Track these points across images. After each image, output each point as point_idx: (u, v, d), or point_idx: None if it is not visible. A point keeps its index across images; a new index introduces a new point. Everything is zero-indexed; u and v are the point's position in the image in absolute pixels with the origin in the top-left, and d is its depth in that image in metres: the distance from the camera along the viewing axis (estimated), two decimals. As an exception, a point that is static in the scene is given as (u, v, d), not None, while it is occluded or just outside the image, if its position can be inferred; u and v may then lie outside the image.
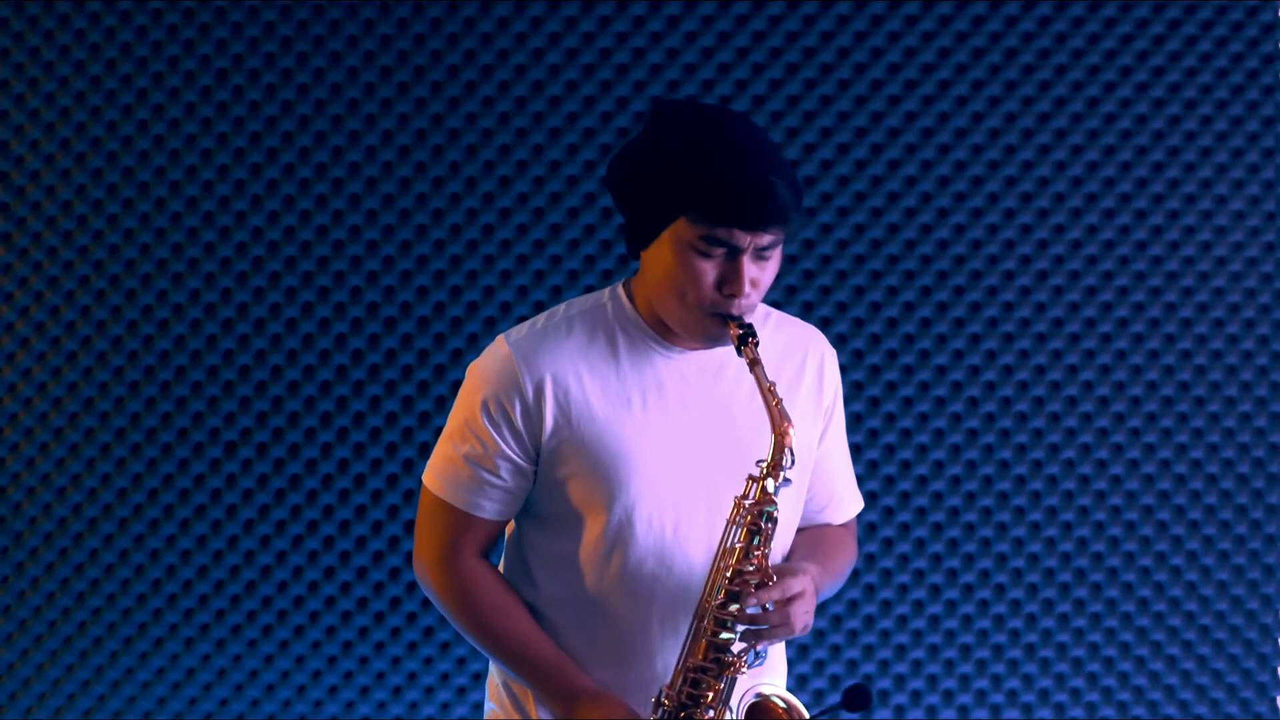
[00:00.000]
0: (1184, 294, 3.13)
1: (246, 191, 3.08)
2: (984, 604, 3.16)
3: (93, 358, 3.11)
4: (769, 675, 2.11)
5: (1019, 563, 3.15)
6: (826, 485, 2.21)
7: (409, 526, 3.12)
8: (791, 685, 3.14)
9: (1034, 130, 3.09)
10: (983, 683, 3.17)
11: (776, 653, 2.18)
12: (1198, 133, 3.10)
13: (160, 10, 3.05)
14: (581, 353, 2.02)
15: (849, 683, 3.16)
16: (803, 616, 1.95)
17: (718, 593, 1.94)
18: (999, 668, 3.17)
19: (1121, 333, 3.13)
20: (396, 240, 3.09)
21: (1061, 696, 3.17)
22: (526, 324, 2.07)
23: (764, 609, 1.94)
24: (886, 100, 3.08)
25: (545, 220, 3.09)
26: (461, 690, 3.17)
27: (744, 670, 1.95)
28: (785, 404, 1.96)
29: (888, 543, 3.15)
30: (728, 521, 1.96)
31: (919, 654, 3.17)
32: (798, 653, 3.16)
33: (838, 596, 3.14)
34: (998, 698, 3.17)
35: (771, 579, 1.93)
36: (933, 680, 3.17)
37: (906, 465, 3.14)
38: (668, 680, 2.01)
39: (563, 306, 2.09)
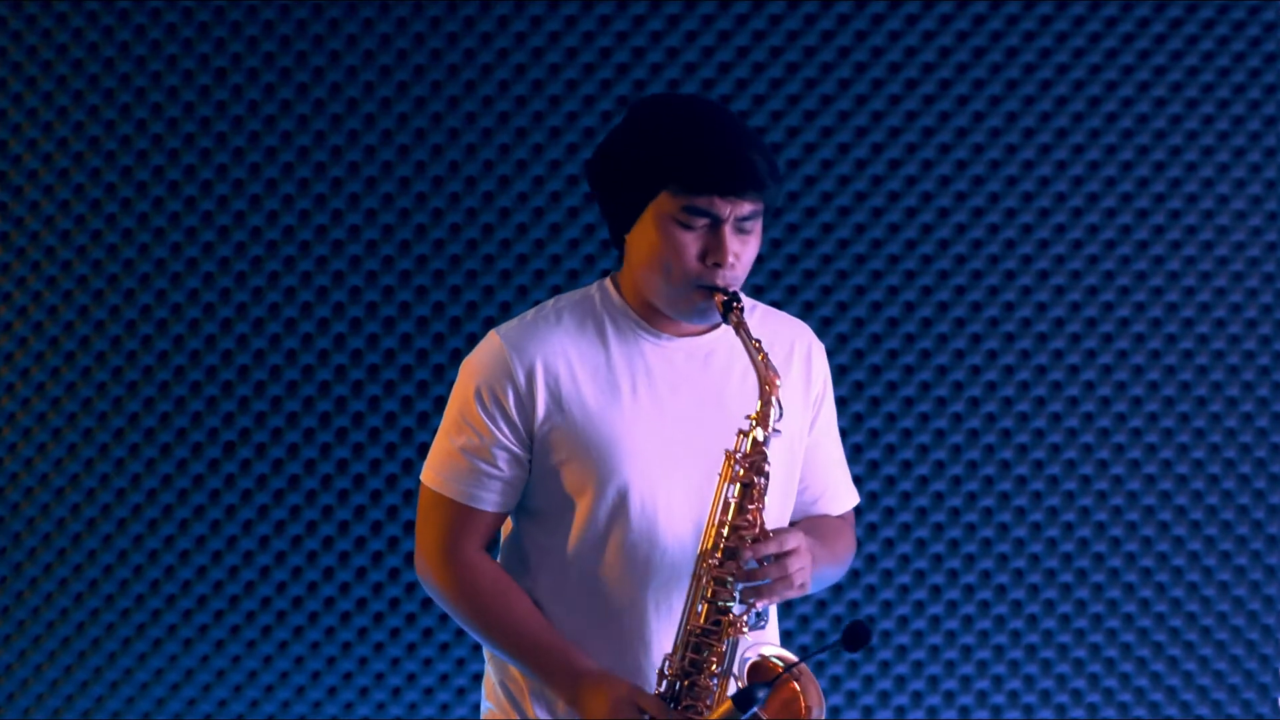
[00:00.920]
0: (1185, 294, 3.12)
1: (245, 191, 3.08)
2: (985, 605, 3.16)
3: (91, 358, 3.10)
4: (766, 639, 2.12)
5: (1020, 563, 3.15)
6: (820, 476, 2.22)
7: (408, 527, 3.12)
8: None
9: (1035, 129, 3.09)
10: (984, 683, 3.17)
11: (771, 620, 2.19)
12: (1199, 132, 3.09)
13: (159, 9, 3.04)
14: (571, 340, 2.06)
15: (850, 685, 3.16)
16: (799, 573, 1.96)
17: (714, 550, 1.96)
18: (1000, 668, 3.17)
19: (1123, 333, 3.13)
20: (396, 240, 3.09)
21: (1063, 697, 3.17)
22: (515, 319, 2.11)
23: (760, 564, 1.95)
24: (887, 99, 3.08)
25: (545, 220, 3.09)
26: (461, 691, 3.17)
27: (745, 632, 1.96)
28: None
29: (888, 543, 3.15)
30: (720, 476, 1.98)
31: (920, 654, 3.16)
32: (798, 654, 3.15)
33: (839, 597, 3.14)
34: (999, 698, 3.17)
35: (767, 535, 1.95)
36: (934, 681, 3.17)
37: (907, 465, 3.14)
38: (661, 661, 2.02)
39: (551, 301, 2.13)
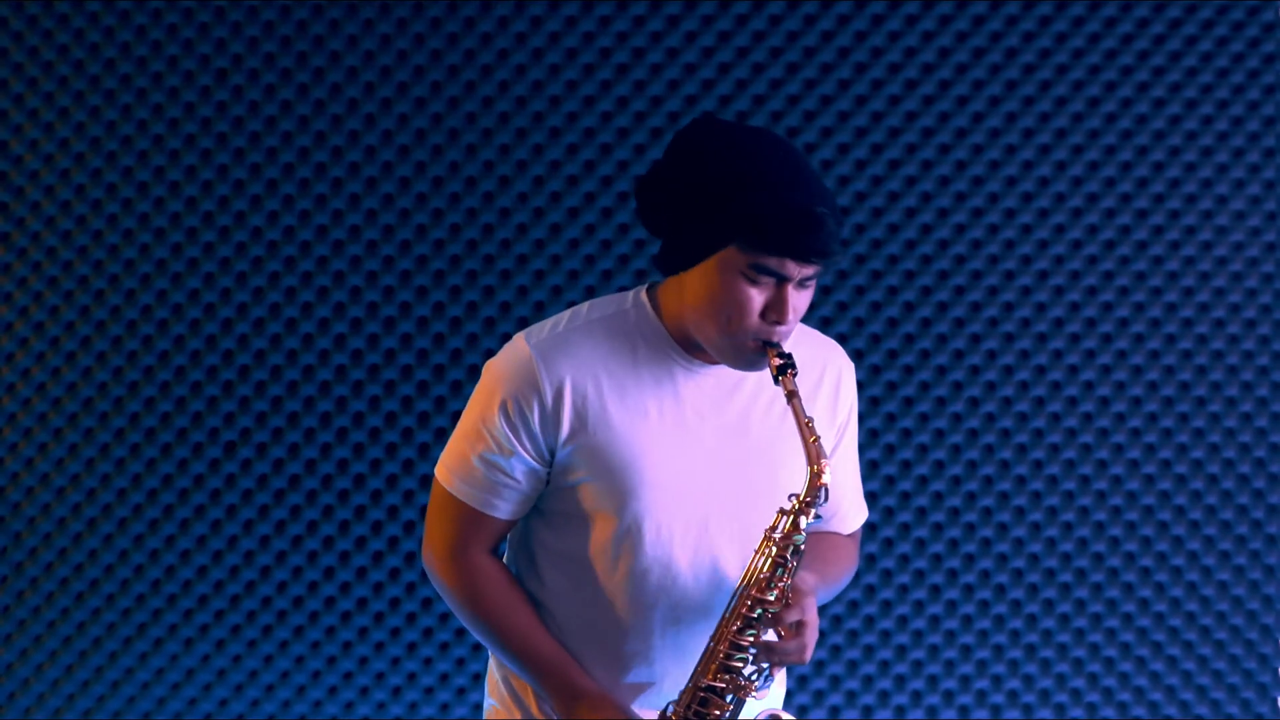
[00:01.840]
0: (1185, 294, 3.12)
1: (246, 191, 3.08)
2: (984, 604, 3.16)
3: (92, 358, 3.10)
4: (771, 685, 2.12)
5: (1019, 563, 3.15)
6: (834, 498, 2.21)
7: (408, 527, 3.12)
8: (791, 685, 3.14)
9: (1034, 130, 3.09)
10: (983, 683, 3.17)
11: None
12: (1198, 132, 3.09)
13: (159, 10, 3.05)
14: (601, 359, 2.01)
15: (850, 685, 3.16)
16: (811, 646, 1.97)
17: (737, 619, 1.96)
18: (999, 668, 3.17)
19: (1122, 333, 3.13)
20: (396, 240, 3.09)
21: (1062, 697, 3.17)
22: (548, 324, 2.06)
23: (779, 635, 1.95)
24: (887, 100, 3.08)
25: (545, 220, 3.09)
26: (461, 691, 3.17)
27: (755, 693, 1.97)
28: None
29: (888, 543, 3.15)
30: (756, 552, 1.97)
31: (919, 654, 3.17)
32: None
33: (838, 597, 3.14)
34: (998, 698, 3.17)
35: (789, 604, 1.95)
36: (933, 680, 3.17)
37: (907, 465, 3.14)
38: (663, 685, 2.03)
39: (585, 307, 2.08)
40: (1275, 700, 3.18)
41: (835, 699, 3.16)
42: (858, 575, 3.14)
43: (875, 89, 3.08)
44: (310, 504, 3.12)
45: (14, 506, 3.13)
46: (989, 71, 3.08)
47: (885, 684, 3.17)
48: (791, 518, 1.94)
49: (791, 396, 1.91)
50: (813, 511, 1.93)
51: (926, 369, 3.13)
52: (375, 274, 3.09)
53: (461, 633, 3.14)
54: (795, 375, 1.92)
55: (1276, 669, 3.18)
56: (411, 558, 3.12)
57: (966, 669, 3.17)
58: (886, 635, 3.17)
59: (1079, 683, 3.17)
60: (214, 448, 3.11)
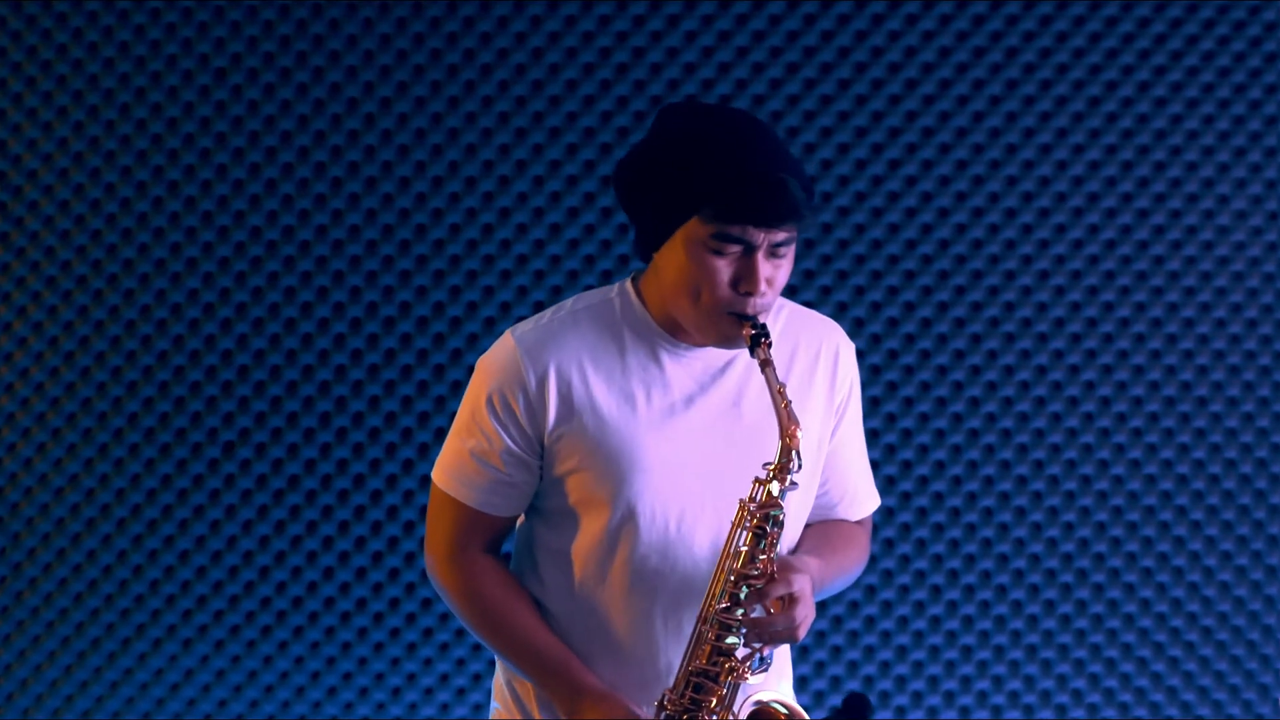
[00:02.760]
0: (1186, 293, 3.12)
1: (245, 191, 3.08)
2: (985, 605, 3.15)
3: (90, 357, 3.10)
4: (774, 679, 2.10)
5: (1020, 563, 3.15)
6: (840, 481, 2.19)
7: (408, 528, 3.12)
8: (792, 686, 3.13)
9: (1035, 129, 3.09)
10: (984, 684, 3.17)
11: (781, 656, 2.17)
12: (1199, 132, 3.09)
13: (158, 9, 3.04)
14: (586, 347, 2.01)
15: (851, 685, 3.16)
16: (804, 623, 1.94)
17: (721, 596, 1.93)
18: (1000, 669, 3.16)
19: (1123, 333, 3.12)
20: (396, 240, 3.09)
21: (1063, 698, 3.17)
22: (533, 319, 2.07)
23: (768, 612, 1.93)
24: (887, 99, 3.08)
25: (545, 220, 3.09)
26: (461, 691, 3.16)
27: (748, 676, 1.94)
28: (796, 403, 1.95)
29: (889, 543, 3.15)
30: (733, 524, 1.95)
31: (920, 655, 3.16)
32: (799, 654, 3.15)
33: (839, 597, 3.13)
34: (999, 699, 3.17)
35: (775, 577, 1.93)
36: (934, 681, 3.17)
37: (907, 465, 3.14)
38: (670, 679, 2.01)
39: (569, 301, 2.08)
40: (1276, 701, 3.17)
41: (836, 699, 3.16)
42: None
43: (875, 89, 3.08)
44: (309, 504, 3.12)
45: (12, 507, 3.13)
46: (989, 71, 3.08)
47: (886, 685, 3.17)
48: (765, 486, 1.93)
49: (765, 365, 1.90)
50: (787, 478, 1.92)
51: (927, 369, 3.12)
52: (375, 274, 3.09)
53: (461, 633, 3.14)
54: (769, 346, 1.91)
55: (1278, 670, 3.17)
56: (411, 558, 3.12)
57: (967, 670, 3.16)
58: (887, 636, 3.16)
59: (1080, 683, 3.17)
60: (213, 448, 3.11)
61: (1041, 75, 3.08)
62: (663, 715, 1.96)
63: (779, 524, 1.93)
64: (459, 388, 3.08)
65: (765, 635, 1.93)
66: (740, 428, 2.02)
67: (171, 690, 3.16)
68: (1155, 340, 3.12)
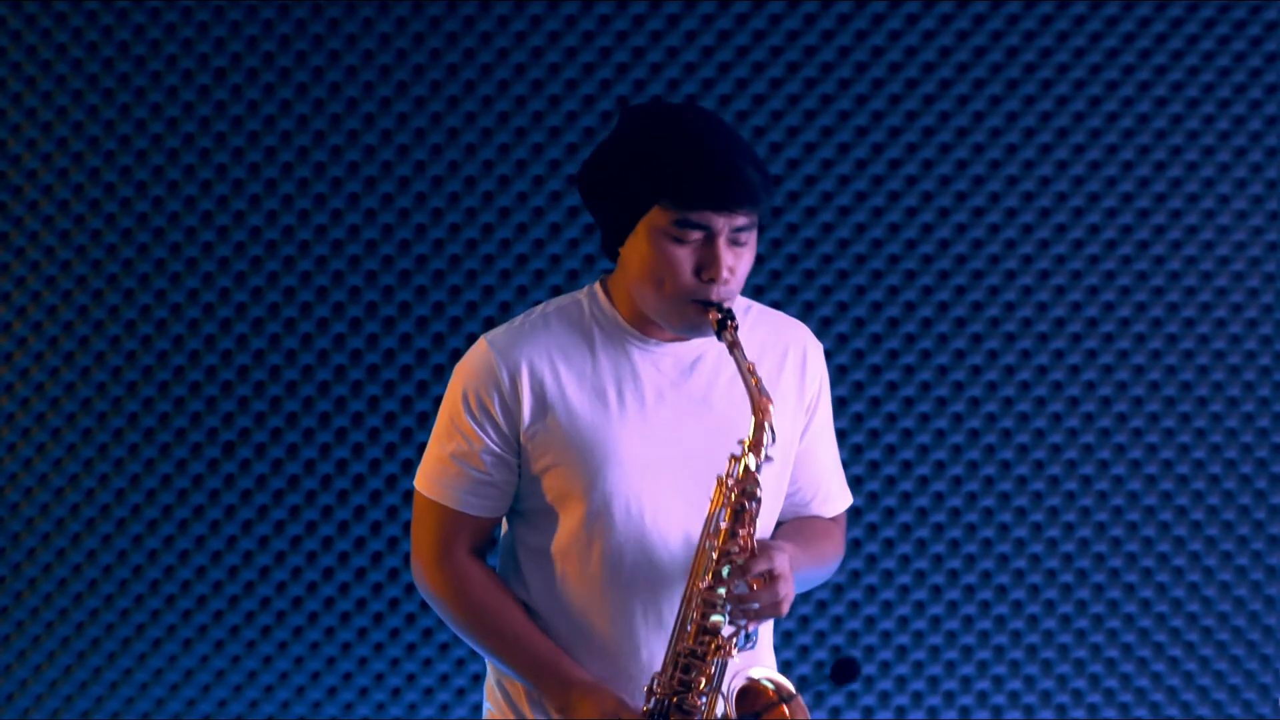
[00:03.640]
0: (1186, 293, 3.12)
1: (244, 190, 3.08)
2: (985, 605, 3.15)
3: (90, 358, 3.10)
4: (758, 660, 2.11)
5: (1021, 564, 3.14)
6: (812, 479, 2.22)
7: (407, 528, 3.11)
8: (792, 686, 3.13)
9: (1036, 129, 3.08)
10: (984, 684, 3.17)
11: (764, 639, 2.19)
12: (1200, 131, 3.09)
13: (158, 9, 3.04)
14: (557, 345, 2.06)
15: (849, 684, 3.16)
16: (786, 600, 1.97)
17: (705, 575, 1.96)
18: (1000, 669, 3.16)
19: (1124, 333, 3.12)
20: (395, 240, 3.09)
21: (1063, 698, 3.16)
22: (505, 324, 2.12)
23: (751, 588, 1.95)
24: (887, 99, 3.08)
25: (545, 220, 3.09)
26: (460, 692, 3.17)
27: (734, 654, 1.96)
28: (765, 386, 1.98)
29: (888, 543, 3.14)
30: (711, 502, 1.98)
31: (920, 655, 3.16)
32: (798, 654, 3.16)
33: (839, 597, 3.13)
34: (999, 699, 3.16)
35: (756, 553, 1.95)
36: (934, 681, 3.17)
37: (908, 465, 3.13)
38: (657, 669, 2.02)
39: (540, 306, 2.13)
40: (1277, 701, 3.17)
41: (836, 699, 3.16)
42: (858, 575, 3.14)
43: (875, 88, 3.08)
44: (309, 504, 3.12)
45: (12, 507, 3.13)
46: (990, 70, 3.07)
47: (886, 685, 3.17)
48: (741, 462, 1.95)
49: (733, 347, 1.94)
50: (762, 452, 1.94)
51: (927, 369, 3.12)
52: (374, 274, 3.09)
53: (461, 633, 3.14)
54: (736, 329, 1.95)
55: (1278, 670, 3.17)
56: (410, 558, 3.12)
57: (967, 670, 3.16)
58: (887, 636, 3.16)
59: (1081, 683, 3.16)
60: (212, 448, 3.11)
61: (1042, 75, 3.07)
62: (653, 700, 1.98)
63: (757, 499, 1.96)
64: (459, 388, 3.08)
65: (750, 611, 1.95)
66: (711, 420, 2.05)
67: (171, 690, 3.16)
68: (1156, 340, 3.12)
